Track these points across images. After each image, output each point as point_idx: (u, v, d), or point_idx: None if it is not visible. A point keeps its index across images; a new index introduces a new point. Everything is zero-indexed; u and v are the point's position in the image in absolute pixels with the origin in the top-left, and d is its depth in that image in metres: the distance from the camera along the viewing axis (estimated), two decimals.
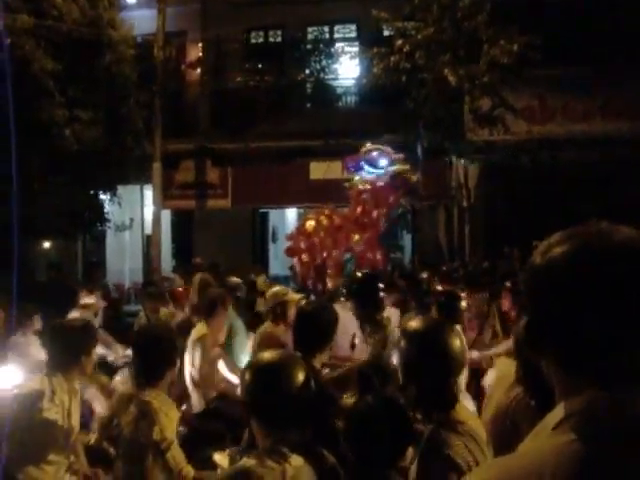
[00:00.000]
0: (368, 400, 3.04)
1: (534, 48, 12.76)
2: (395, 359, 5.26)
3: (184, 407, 6.09)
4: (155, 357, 3.97)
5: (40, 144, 12.05)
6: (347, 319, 5.52)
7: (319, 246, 11.21)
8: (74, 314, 8.06)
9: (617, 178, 13.94)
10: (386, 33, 16.03)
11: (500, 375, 3.53)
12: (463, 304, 6.98)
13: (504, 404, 3.00)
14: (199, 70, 19.01)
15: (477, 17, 13.71)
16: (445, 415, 2.64)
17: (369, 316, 5.18)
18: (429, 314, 7.08)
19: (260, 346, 5.50)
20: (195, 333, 6.25)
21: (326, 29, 18.21)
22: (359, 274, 6.84)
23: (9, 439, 3.71)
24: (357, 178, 11.40)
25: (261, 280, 13.80)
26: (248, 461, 2.56)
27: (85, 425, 5.73)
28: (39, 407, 3.97)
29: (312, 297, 8.24)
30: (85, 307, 8.39)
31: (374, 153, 11.30)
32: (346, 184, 11.80)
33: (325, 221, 11.34)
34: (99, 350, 7.87)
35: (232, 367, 6.68)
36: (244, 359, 7.00)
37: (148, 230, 17.94)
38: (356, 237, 11.09)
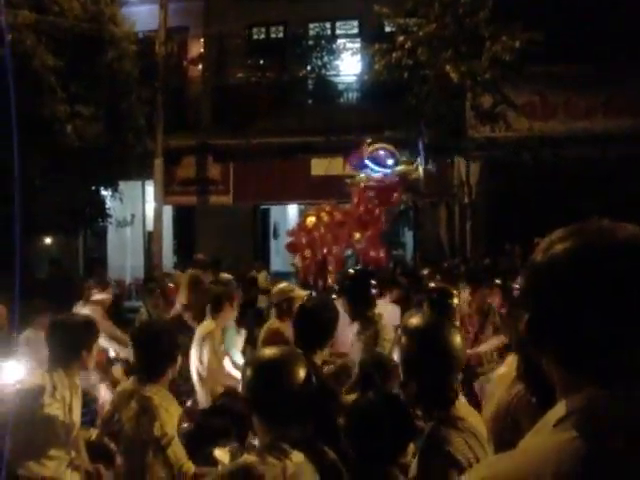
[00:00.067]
0: (369, 396, 3.04)
1: (536, 45, 12.74)
2: (396, 356, 5.25)
3: (189, 403, 6.09)
4: (156, 353, 3.97)
5: (41, 140, 12.03)
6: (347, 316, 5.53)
7: (319, 242, 11.20)
8: (85, 310, 8.11)
9: (618, 175, 13.93)
10: (388, 29, 16.03)
11: (501, 372, 3.53)
12: (456, 301, 6.99)
13: (505, 401, 3.00)
14: (201, 66, 19.01)
15: (479, 14, 13.70)
16: (445, 412, 2.64)
17: (360, 312, 5.18)
18: (421, 311, 7.11)
19: (265, 342, 5.50)
20: (202, 329, 6.25)
21: (328, 25, 18.20)
22: (351, 270, 6.85)
23: (10, 434, 3.71)
24: (362, 176, 11.38)
25: (262, 276, 13.83)
26: (249, 457, 2.56)
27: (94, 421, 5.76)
28: (40, 403, 3.97)
29: (313, 293, 8.24)
30: (96, 303, 8.42)
31: (381, 152, 11.29)
32: (348, 180, 11.79)
33: (326, 217, 11.33)
34: (112, 346, 7.93)
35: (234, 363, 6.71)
36: (234, 355, 7.03)
37: (149, 226, 17.95)
38: (357, 235, 11.08)
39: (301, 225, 11.89)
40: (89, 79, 13.39)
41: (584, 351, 1.17)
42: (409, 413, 2.85)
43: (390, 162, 11.24)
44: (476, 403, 4.41)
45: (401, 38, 14.10)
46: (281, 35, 18.74)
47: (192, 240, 18.51)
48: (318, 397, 2.89)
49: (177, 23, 17.50)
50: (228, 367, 6.70)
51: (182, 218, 19.74)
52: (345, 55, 17.82)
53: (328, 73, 17.84)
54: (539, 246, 1.27)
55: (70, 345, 4.15)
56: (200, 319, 6.73)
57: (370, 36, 16.48)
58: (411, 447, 2.88)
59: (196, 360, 6.12)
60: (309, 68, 17.92)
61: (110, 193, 15.77)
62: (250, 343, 8.01)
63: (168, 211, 18.60)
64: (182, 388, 6.18)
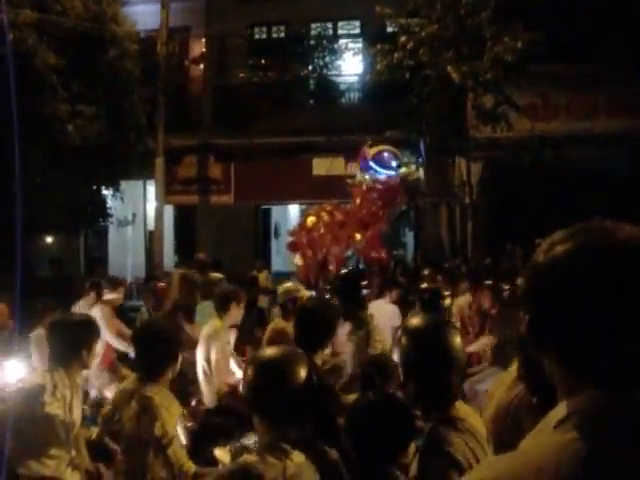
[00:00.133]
0: (369, 397, 3.04)
1: (537, 45, 12.73)
2: (396, 356, 5.26)
3: (194, 403, 6.09)
4: (157, 352, 3.97)
5: (43, 139, 12.05)
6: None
7: (319, 242, 11.21)
8: (95, 309, 8.15)
9: (620, 176, 13.92)
10: (390, 30, 16.04)
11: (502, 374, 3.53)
12: (447, 301, 7.04)
13: (505, 402, 3.00)
14: (202, 66, 19.01)
15: (481, 14, 13.69)
16: (445, 412, 2.64)
17: (352, 313, 5.18)
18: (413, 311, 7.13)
19: (270, 342, 5.50)
20: (209, 328, 6.25)
21: (330, 25, 18.20)
22: (342, 271, 6.89)
23: (11, 433, 3.71)
24: (366, 177, 11.38)
25: (263, 276, 13.84)
26: (249, 457, 2.56)
27: None
28: (41, 401, 3.98)
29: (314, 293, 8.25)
30: (107, 302, 8.47)
31: (385, 153, 11.30)
32: (349, 180, 11.79)
33: (326, 217, 11.33)
34: (121, 345, 7.95)
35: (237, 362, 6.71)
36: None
37: (150, 226, 17.94)
38: (358, 236, 11.08)
39: (302, 225, 11.90)
40: (91, 78, 13.39)
41: (585, 352, 1.17)
42: (409, 413, 2.85)
43: (394, 164, 11.27)
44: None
45: (403, 38, 14.10)
46: (283, 35, 18.72)
47: (193, 240, 18.51)
48: (319, 397, 2.89)
49: (179, 23, 17.49)
50: (233, 367, 6.70)
51: (183, 218, 19.73)
52: (347, 55, 17.80)
53: (330, 73, 17.83)
54: (540, 247, 1.27)
55: (70, 344, 4.15)
56: (189, 318, 6.71)
57: (372, 36, 16.47)
58: (411, 447, 2.88)
59: (202, 359, 6.12)
60: (311, 68, 17.91)
61: (111, 192, 15.78)
62: (250, 343, 8.02)
63: (169, 210, 18.59)
64: (189, 389, 6.20)
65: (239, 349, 7.64)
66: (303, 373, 2.63)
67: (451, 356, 2.68)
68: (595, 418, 1.12)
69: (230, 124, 17.23)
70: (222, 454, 4.37)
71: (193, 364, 6.18)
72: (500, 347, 7.55)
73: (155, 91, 15.91)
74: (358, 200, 11.38)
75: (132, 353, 7.47)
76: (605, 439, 1.10)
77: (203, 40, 18.89)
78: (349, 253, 11.77)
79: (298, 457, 2.55)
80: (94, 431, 4.76)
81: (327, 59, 17.74)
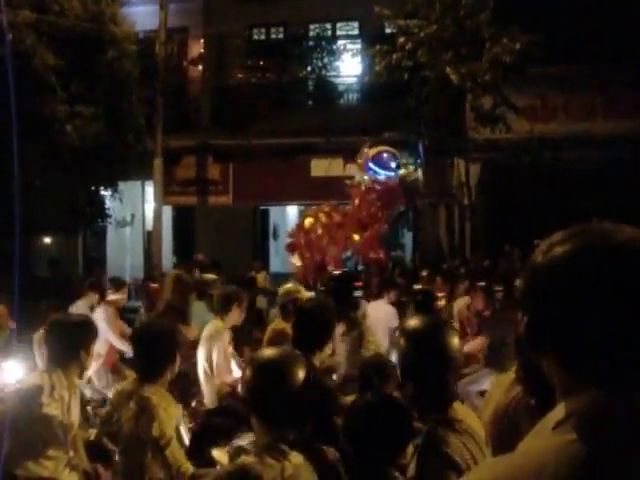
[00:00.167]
0: (368, 398, 3.04)
1: (536, 47, 12.74)
2: (394, 357, 5.26)
3: (194, 404, 6.08)
4: (155, 353, 3.96)
5: (41, 139, 12.04)
6: None
7: (316, 243, 11.21)
8: (100, 310, 8.17)
9: (619, 177, 13.93)
10: (388, 31, 16.05)
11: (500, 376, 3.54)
12: (442, 302, 7.05)
13: (503, 404, 3.00)
14: (201, 66, 19.02)
15: (479, 15, 13.71)
16: (443, 413, 2.64)
17: (344, 314, 5.18)
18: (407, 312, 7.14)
19: (271, 343, 5.49)
20: (211, 329, 6.25)
21: (328, 26, 18.20)
22: (336, 273, 6.91)
23: (9, 434, 3.71)
24: (365, 178, 11.39)
25: (261, 277, 13.84)
26: (247, 458, 2.56)
27: None
28: (39, 402, 3.97)
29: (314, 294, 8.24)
30: (110, 303, 8.47)
31: (384, 154, 11.32)
32: (347, 181, 11.80)
33: (324, 218, 11.34)
34: (124, 346, 7.94)
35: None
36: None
37: (149, 226, 17.94)
38: (356, 237, 11.09)
39: (300, 226, 11.90)
40: (89, 79, 13.40)
41: (584, 353, 1.17)
42: (408, 414, 2.85)
43: (393, 164, 11.28)
44: None
45: (401, 39, 14.11)
46: (281, 36, 18.73)
47: (191, 240, 18.51)
48: (317, 398, 2.89)
49: (177, 23, 17.49)
50: (234, 368, 6.69)
51: (182, 218, 19.73)
52: (345, 56, 17.83)
53: (328, 74, 17.84)
54: (539, 248, 1.27)
55: (68, 345, 4.14)
56: (182, 320, 6.69)
57: (370, 37, 16.49)
58: (410, 448, 2.88)
59: (203, 359, 6.12)
60: (309, 69, 17.92)
61: (110, 193, 15.78)
62: (248, 344, 8.01)
63: (168, 211, 18.59)
64: (192, 390, 6.19)
65: (236, 350, 7.63)
66: (301, 374, 2.62)
67: (449, 357, 2.68)
68: (594, 419, 1.12)
69: (229, 125, 17.23)
70: (220, 455, 4.36)
71: (195, 365, 6.18)
72: (493, 348, 7.57)
73: (154, 92, 15.92)
74: (357, 201, 11.38)
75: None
76: (604, 440, 1.10)
77: (202, 41, 18.89)
78: (348, 254, 11.78)
79: (296, 458, 2.55)
80: (92, 432, 4.76)
81: (326, 60, 17.75)
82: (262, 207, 19.33)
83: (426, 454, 2.56)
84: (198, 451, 4.06)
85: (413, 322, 2.84)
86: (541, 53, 12.59)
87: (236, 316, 6.43)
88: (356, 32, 18.18)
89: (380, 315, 8.43)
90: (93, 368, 7.89)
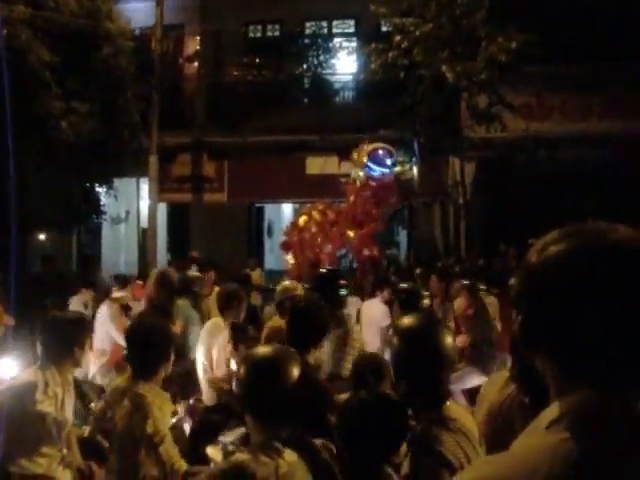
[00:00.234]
0: (361, 396, 3.04)
1: (532, 46, 12.74)
2: (387, 355, 5.25)
3: (192, 401, 6.07)
4: (149, 351, 3.96)
5: (36, 136, 12.01)
6: None
7: (310, 241, 11.21)
8: (104, 307, 8.17)
9: (614, 177, 13.95)
10: (384, 29, 16.04)
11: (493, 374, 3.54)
12: (426, 301, 7.04)
13: (497, 402, 3.00)
14: (196, 63, 18.98)
15: (475, 14, 13.70)
16: (437, 412, 2.64)
17: (330, 312, 5.19)
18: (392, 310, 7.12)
19: (268, 340, 5.49)
20: (211, 326, 6.25)
21: (324, 24, 18.19)
22: (322, 270, 6.91)
23: (2, 431, 3.70)
24: (360, 174, 11.39)
25: (256, 274, 13.84)
26: (241, 456, 2.55)
27: None
28: (32, 399, 3.96)
29: None
30: (115, 300, 8.47)
31: (380, 151, 11.31)
32: (342, 179, 11.80)
33: (318, 216, 11.34)
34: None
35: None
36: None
37: (144, 223, 17.91)
38: (351, 234, 11.09)
39: (294, 224, 11.91)
40: (84, 75, 13.35)
41: (578, 353, 1.17)
42: (402, 412, 2.85)
43: (389, 162, 11.28)
44: None
45: (397, 38, 14.09)
46: (277, 33, 18.70)
47: (186, 237, 18.49)
48: (311, 396, 2.89)
49: (173, 20, 17.46)
50: (233, 366, 6.69)
51: (177, 215, 19.69)
52: (341, 54, 17.81)
53: (324, 72, 17.82)
54: (534, 247, 1.27)
55: (62, 342, 4.14)
56: (166, 318, 6.68)
57: (366, 35, 16.48)
58: (404, 446, 2.88)
59: (202, 356, 6.12)
60: (305, 67, 17.89)
61: (105, 190, 15.76)
62: (243, 341, 8.00)
63: (162, 208, 18.55)
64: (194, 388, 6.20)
65: (235, 348, 7.63)
66: (296, 372, 2.62)
67: (442, 355, 2.69)
68: (588, 418, 1.12)
69: (224, 122, 17.20)
70: (214, 452, 4.36)
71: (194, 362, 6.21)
72: (475, 347, 7.58)
73: (149, 88, 15.87)
74: (352, 197, 11.38)
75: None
76: (598, 440, 1.10)
77: (198, 38, 18.86)
78: (342, 251, 11.78)
79: (290, 456, 2.55)
80: (86, 429, 4.76)
81: (322, 58, 17.74)
82: (257, 204, 19.30)
83: (419, 452, 2.56)
84: (196, 448, 4.06)
85: (406, 320, 2.85)
86: (537, 52, 12.58)
87: (236, 313, 6.46)
88: (352, 30, 18.16)
89: (374, 313, 8.44)
90: (97, 365, 7.91)
